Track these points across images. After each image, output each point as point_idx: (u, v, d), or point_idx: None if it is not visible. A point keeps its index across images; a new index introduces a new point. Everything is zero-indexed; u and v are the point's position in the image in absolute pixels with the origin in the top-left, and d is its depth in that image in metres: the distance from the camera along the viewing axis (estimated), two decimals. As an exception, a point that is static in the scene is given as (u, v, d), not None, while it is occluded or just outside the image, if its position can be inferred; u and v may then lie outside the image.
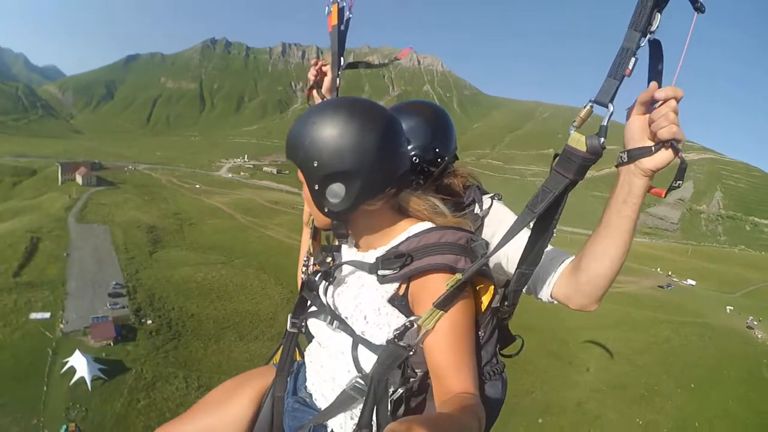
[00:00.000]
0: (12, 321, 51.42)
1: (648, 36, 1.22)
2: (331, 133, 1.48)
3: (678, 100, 1.28)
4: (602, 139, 1.26)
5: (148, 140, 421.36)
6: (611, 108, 1.23)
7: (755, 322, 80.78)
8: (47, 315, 53.59)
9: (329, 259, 1.83)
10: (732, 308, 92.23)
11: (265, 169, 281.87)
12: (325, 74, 2.36)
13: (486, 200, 2.12)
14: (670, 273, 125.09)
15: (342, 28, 2.23)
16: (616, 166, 1.41)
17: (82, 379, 42.18)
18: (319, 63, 2.35)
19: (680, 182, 1.31)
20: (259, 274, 78.12)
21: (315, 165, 1.50)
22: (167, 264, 77.88)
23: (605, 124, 1.26)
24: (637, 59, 1.21)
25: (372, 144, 1.49)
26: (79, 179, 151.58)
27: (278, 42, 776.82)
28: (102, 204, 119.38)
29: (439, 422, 1.14)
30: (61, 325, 51.57)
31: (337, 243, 1.87)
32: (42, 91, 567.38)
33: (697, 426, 50.00)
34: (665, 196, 1.37)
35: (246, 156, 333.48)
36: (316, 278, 1.77)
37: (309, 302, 1.83)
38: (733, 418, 50.98)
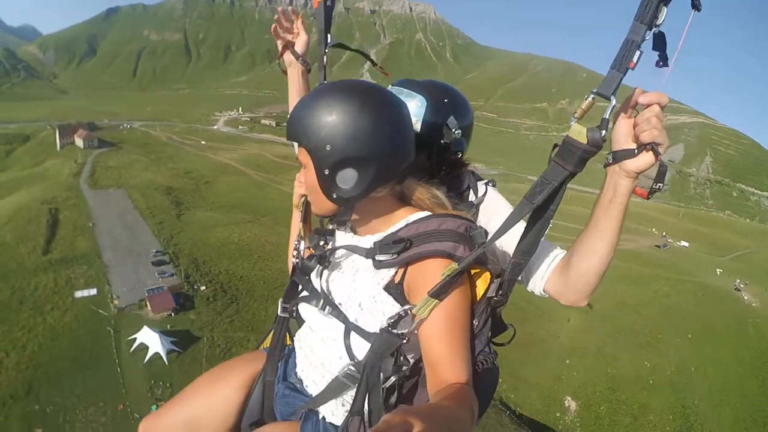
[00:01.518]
0: (58, 303, 49.08)
1: (653, 29, 1.23)
2: (346, 117, 1.46)
3: (663, 106, 1.31)
4: (603, 132, 1.29)
5: (137, 95, 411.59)
6: (614, 101, 1.26)
7: (742, 285, 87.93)
8: (93, 291, 51.43)
9: (322, 243, 1.80)
10: (721, 271, 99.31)
11: (263, 121, 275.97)
12: (296, 33, 2.29)
13: (481, 187, 2.12)
14: (664, 234, 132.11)
15: (328, 3, 2.15)
16: (604, 167, 1.44)
17: (156, 355, 41.09)
18: (298, 18, 2.27)
19: (661, 184, 1.33)
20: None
21: (328, 149, 1.48)
22: (198, 226, 76.04)
23: (607, 116, 1.29)
24: (641, 53, 1.23)
25: (387, 129, 1.51)
26: (79, 142, 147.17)
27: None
28: (110, 167, 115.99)
29: (434, 413, 1.14)
30: (115, 301, 49.70)
31: (330, 227, 1.86)
32: (22, 53, 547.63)
33: (693, 370, 58.73)
34: (648, 198, 1.42)
35: (240, 108, 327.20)
36: (310, 262, 1.75)
37: (300, 287, 1.84)
38: (723, 365, 60.22)
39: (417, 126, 1.97)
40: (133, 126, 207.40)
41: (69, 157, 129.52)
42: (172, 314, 48.10)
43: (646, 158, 1.32)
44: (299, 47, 2.24)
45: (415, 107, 1.99)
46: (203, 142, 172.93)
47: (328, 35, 2.15)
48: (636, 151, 1.33)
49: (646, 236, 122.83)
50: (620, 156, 1.37)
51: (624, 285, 75.76)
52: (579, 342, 60.55)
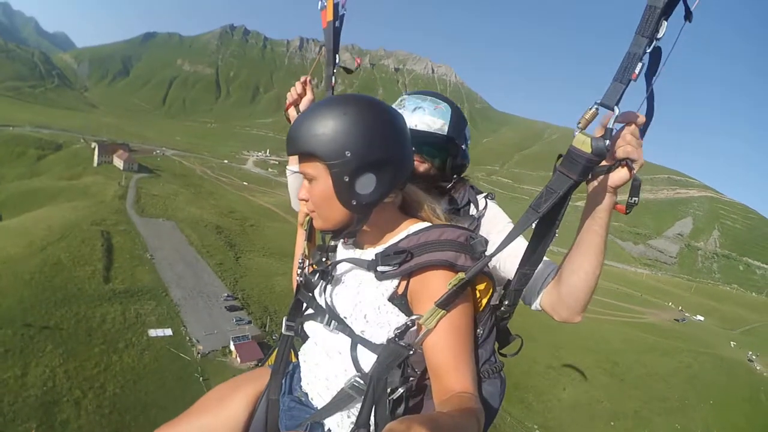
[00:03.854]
0: (132, 341, 48.07)
1: (654, 43, 1.23)
2: (363, 123, 1.48)
3: (638, 125, 1.36)
4: (607, 142, 1.28)
5: (165, 123, 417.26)
6: (617, 111, 1.26)
7: (754, 357, 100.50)
8: (168, 331, 50.62)
9: (324, 259, 1.83)
10: (735, 343, 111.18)
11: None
12: (305, 94, 2.38)
13: (481, 200, 2.19)
14: (681, 308, 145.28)
15: (337, 24, 2.23)
16: (586, 183, 1.46)
17: (253, 408, 39.71)
18: (306, 80, 2.37)
19: (636, 198, 1.39)
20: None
21: (348, 155, 1.47)
22: (259, 272, 76.22)
23: (611, 126, 1.28)
24: (643, 64, 1.24)
25: (396, 132, 1.54)
26: (118, 163, 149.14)
27: (296, 36, 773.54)
28: (154, 195, 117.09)
29: (439, 422, 1.13)
30: (199, 346, 48.93)
31: (332, 243, 1.88)
32: (57, 59, 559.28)
33: (716, 433, 67.60)
34: (627, 213, 1.45)
35: (267, 150, 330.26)
36: (314, 278, 1.76)
37: (305, 304, 1.85)
38: (740, 429, 68.95)
39: (445, 129, 2.12)
40: (166, 154, 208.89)
41: (108, 176, 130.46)
42: (259, 364, 46.76)
43: (621, 174, 1.36)
44: (303, 105, 2.32)
45: (442, 112, 2.13)
46: (245, 183, 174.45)
47: (337, 56, 2.22)
48: (612, 167, 1.37)
49: (664, 310, 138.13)
50: (598, 172, 1.40)
51: (653, 356, 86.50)
52: (620, 406, 68.59)
